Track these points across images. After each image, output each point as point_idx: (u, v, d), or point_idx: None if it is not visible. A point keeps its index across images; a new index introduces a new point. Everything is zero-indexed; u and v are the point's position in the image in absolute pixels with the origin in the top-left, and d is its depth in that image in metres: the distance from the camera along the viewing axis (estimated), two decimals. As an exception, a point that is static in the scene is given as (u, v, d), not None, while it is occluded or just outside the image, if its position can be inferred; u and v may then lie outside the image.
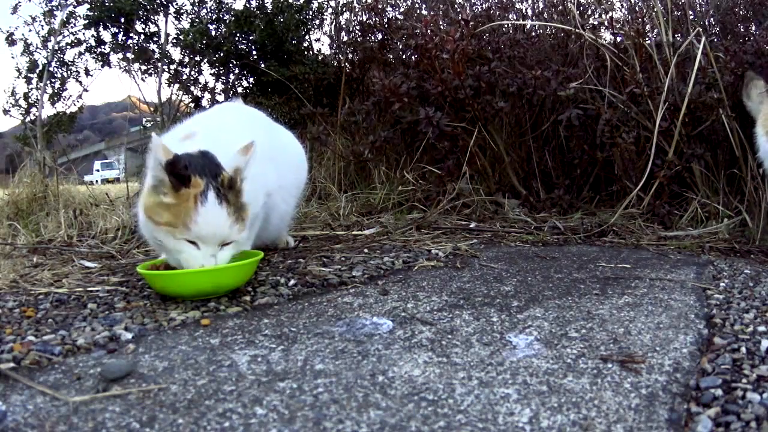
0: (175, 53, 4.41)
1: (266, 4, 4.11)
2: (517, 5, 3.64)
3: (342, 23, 4.06)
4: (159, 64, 4.20)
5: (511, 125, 2.92)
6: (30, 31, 4.21)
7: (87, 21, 4.02)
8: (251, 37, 4.08)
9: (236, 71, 4.26)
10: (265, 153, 1.56)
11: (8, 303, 1.28)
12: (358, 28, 3.79)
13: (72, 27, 4.13)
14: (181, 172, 1.20)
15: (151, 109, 4.35)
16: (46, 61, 4.07)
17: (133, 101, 4.52)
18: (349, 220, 2.51)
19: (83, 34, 4.12)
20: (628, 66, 2.66)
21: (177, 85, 4.23)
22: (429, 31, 2.67)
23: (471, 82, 2.59)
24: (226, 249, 1.27)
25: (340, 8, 4.13)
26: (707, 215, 2.32)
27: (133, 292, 1.37)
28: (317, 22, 4.27)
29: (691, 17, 2.94)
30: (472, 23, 2.74)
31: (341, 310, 1.24)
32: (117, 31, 4.09)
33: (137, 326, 1.11)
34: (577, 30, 2.82)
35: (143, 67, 4.25)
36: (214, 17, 4.27)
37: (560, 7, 3.32)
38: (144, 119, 4.42)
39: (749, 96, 1.94)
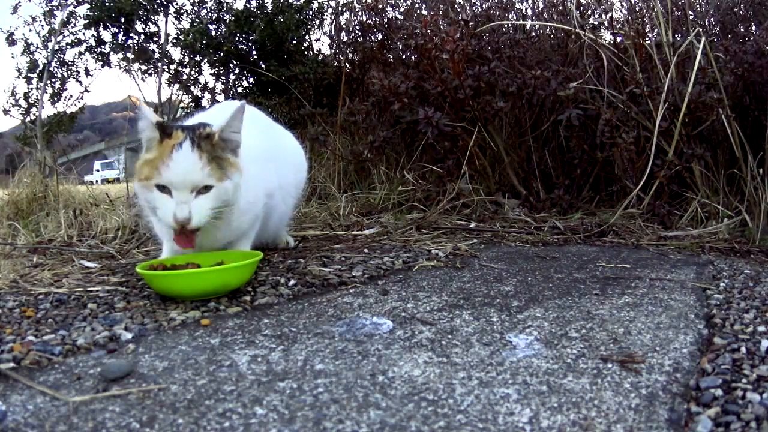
0: (175, 53, 4.42)
1: (266, 4, 4.11)
2: (517, 5, 3.64)
3: (342, 23, 4.07)
4: (159, 64, 4.21)
5: (511, 125, 2.92)
6: (30, 31, 4.22)
7: (87, 21, 4.02)
8: (251, 37, 4.09)
9: (236, 71, 4.26)
10: (265, 153, 1.57)
11: (8, 303, 1.28)
12: (358, 28, 3.79)
13: (72, 27, 4.13)
14: (167, 129, 1.30)
15: (151, 109, 4.34)
16: (46, 61, 4.07)
17: (133, 101, 4.52)
18: (349, 220, 2.51)
19: (83, 34, 4.13)
20: (628, 66, 2.66)
21: (177, 85, 4.23)
22: (429, 31, 2.67)
23: (471, 82, 2.59)
24: (201, 197, 1.28)
25: (340, 8, 4.14)
26: (707, 215, 2.32)
27: (133, 292, 1.37)
28: (317, 22, 4.28)
29: (691, 17, 2.94)
30: (472, 23, 2.75)
31: (341, 310, 1.24)
32: (117, 31, 4.10)
33: (137, 326, 1.11)
34: (577, 30, 2.82)
35: (143, 67, 4.26)
36: (214, 17, 4.27)
37: (560, 7, 3.32)
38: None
39: None
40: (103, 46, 4.14)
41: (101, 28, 4.07)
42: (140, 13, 4.07)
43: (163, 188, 1.27)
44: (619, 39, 2.85)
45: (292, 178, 1.77)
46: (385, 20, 3.57)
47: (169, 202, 1.26)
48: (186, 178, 1.26)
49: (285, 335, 1.09)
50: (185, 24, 4.27)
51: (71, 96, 4.22)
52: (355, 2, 3.96)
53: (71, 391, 0.84)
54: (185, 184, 1.26)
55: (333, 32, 4.16)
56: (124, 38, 4.13)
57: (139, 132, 1.32)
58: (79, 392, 0.84)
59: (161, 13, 4.20)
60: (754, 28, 3.14)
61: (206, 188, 1.28)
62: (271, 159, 1.60)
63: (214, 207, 1.30)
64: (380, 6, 3.54)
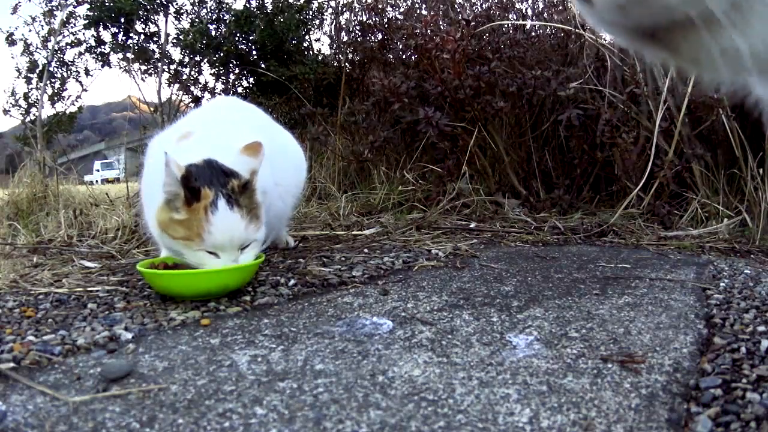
0: (175, 53, 4.43)
1: (266, 4, 4.12)
2: (517, 5, 3.64)
3: (342, 23, 4.07)
4: (159, 64, 4.21)
5: (511, 125, 2.92)
6: (30, 31, 4.23)
7: (87, 21, 4.02)
8: (251, 37, 4.09)
9: (236, 71, 4.26)
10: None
11: (8, 303, 1.28)
12: (358, 28, 3.79)
13: (72, 27, 4.14)
14: (193, 185, 1.22)
15: (151, 109, 4.35)
16: (46, 61, 4.08)
17: (133, 101, 4.52)
18: (349, 220, 2.51)
19: (83, 34, 4.13)
20: (628, 66, 2.66)
21: (177, 85, 4.23)
22: (429, 31, 2.67)
23: (471, 82, 2.59)
24: (246, 251, 1.29)
25: (340, 8, 4.14)
26: (707, 215, 2.32)
27: (133, 292, 1.37)
28: (317, 22, 4.28)
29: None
30: (472, 23, 2.75)
31: (341, 310, 1.24)
32: (117, 31, 4.10)
33: (137, 326, 1.11)
34: (577, 30, 2.82)
35: (143, 67, 4.26)
36: (214, 17, 4.27)
37: (560, 7, 3.32)
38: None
39: None
40: (103, 46, 4.14)
41: (101, 28, 4.08)
42: (140, 13, 4.07)
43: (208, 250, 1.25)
44: (619, 39, 2.84)
45: (291, 178, 1.77)
46: (385, 20, 3.57)
47: (217, 262, 1.25)
48: (233, 241, 1.24)
49: (285, 335, 1.09)
50: (185, 24, 4.28)
51: (71, 96, 4.23)
52: (355, 2, 3.96)
53: (71, 391, 0.84)
54: (233, 247, 1.25)
55: (333, 32, 4.16)
56: (124, 38, 4.13)
57: (164, 185, 1.24)
58: (79, 392, 0.84)
59: (161, 13, 4.20)
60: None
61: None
62: (268, 156, 1.59)
63: (256, 253, 1.32)
64: (380, 6, 3.54)
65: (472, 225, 2.36)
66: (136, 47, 4.18)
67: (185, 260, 1.30)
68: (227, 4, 4.24)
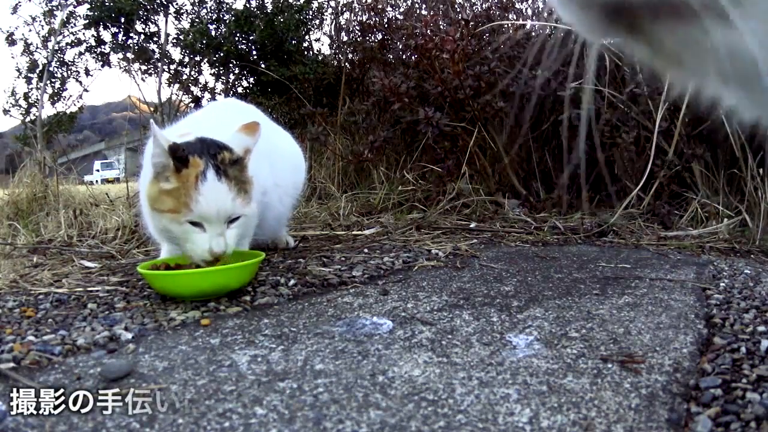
0: (175, 53, 4.43)
1: (266, 4, 4.12)
2: (517, 5, 3.63)
3: (342, 23, 4.07)
4: (159, 64, 4.21)
5: (511, 125, 2.92)
6: (30, 31, 4.23)
7: (87, 21, 4.03)
8: (251, 37, 4.09)
9: (236, 71, 4.26)
10: (260, 151, 1.56)
11: (8, 303, 1.28)
12: (358, 28, 3.79)
13: (72, 27, 4.14)
14: (180, 154, 1.22)
15: (151, 109, 4.35)
16: (46, 61, 4.08)
17: (133, 101, 4.52)
18: (349, 220, 2.51)
19: (83, 34, 4.14)
20: (628, 66, 2.66)
21: (177, 85, 4.23)
22: (429, 31, 2.67)
23: (471, 82, 2.59)
24: (233, 226, 1.28)
25: (340, 8, 4.14)
26: (707, 215, 2.32)
27: (133, 292, 1.37)
28: (317, 22, 4.28)
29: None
30: (471, 23, 2.74)
31: (341, 310, 1.24)
32: (117, 31, 4.10)
33: (137, 326, 1.11)
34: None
35: (143, 67, 4.26)
36: (214, 17, 4.28)
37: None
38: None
39: None
40: (103, 46, 4.15)
41: (101, 28, 4.08)
42: (140, 13, 4.07)
43: (194, 222, 1.24)
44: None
45: (290, 179, 1.77)
46: (385, 20, 3.57)
47: (203, 236, 1.24)
48: (220, 212, 1.23)
49: (285, 335, 1.09)
50: (185, 24, 4.28)
51: (71, 96, 4.23)
52: (355, 2, 3.97)
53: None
54: (219, 218, 1.24)
55: (333, 32, 4.16)
56: (124, 38, 4.14)
57: (146, 159, 1.24)
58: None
59: (161, 13, 4.21)
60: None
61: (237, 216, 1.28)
62: (266, 157, 1.59)
63: (243, 230, 1.31)
64: (380, 6, 3.54)
65: (472, 225, 2.36)
66: (136, 47, 4.18)
67: (173, 241, 1.29)
68: (227, 4, 4.25)
